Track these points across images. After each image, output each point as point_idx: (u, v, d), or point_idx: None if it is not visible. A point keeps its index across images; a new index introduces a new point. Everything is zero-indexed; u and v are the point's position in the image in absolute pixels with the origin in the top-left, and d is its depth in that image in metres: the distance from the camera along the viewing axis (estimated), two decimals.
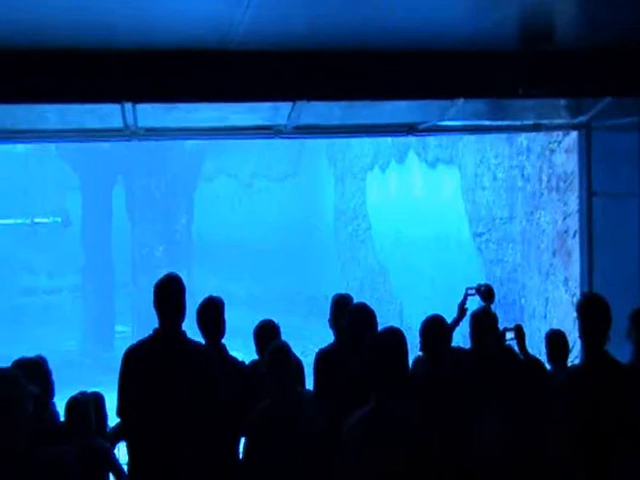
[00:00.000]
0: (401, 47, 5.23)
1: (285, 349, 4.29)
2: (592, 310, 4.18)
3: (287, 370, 4.22)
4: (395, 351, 3.39)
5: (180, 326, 4.38)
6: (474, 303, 5.37)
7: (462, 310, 5.33)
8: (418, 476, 3.26)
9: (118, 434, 4.68)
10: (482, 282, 5.53)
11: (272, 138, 6.64)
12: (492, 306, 5.26)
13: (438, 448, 3.35)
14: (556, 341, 5.03)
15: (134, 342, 4.47)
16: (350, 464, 3.34)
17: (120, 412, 4.33)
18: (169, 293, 4.38)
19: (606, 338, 4.17)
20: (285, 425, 4.13)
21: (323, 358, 4.90)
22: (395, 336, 3.45)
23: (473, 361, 4.83)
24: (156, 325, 4.42)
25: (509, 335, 4.94)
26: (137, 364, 4.33)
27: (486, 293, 5.26)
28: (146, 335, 4.43)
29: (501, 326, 5.01)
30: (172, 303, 4.37)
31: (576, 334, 4.65)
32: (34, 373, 4.19)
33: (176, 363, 4.30)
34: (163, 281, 4.43)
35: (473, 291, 5.30)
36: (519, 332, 4.96)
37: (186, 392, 4.26)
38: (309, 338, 5.31)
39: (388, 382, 3.35)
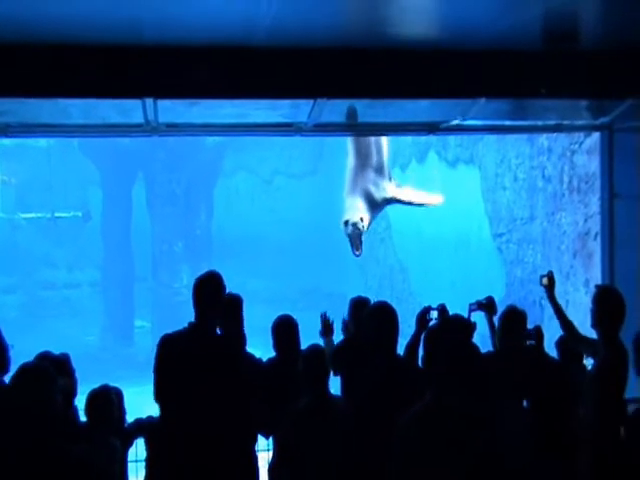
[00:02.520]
0: (423, 46, 5.21)
1: (321, 352, 4.43)
2: (607, 300, 4.51)
3: (324, 373, 4.37)
4: (457, 347, 3.38)
5: (215, 323, 4.45)
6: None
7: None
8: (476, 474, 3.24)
9: (136, 430, 4.71)
10: (501, 284, 5.58)
11: (293, 135, 6.63)
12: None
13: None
14: (566, 345, 5.07)
15: (169, 332, 4.49)
16: (407, 461, 3.32)
17: (156, 397, 4.39)
18: (210, 290, 4.44)
19: (620, 328, 4.48)
20: (321, 427, 4.23)
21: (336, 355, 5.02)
22: (457, 332, 3.42)
23: (496, 359, 4.89)
24: (174, 320, 4.45)
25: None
26: (171, 355, 4.38)
27: (488, 307, 5.31)
28: (176, 329, 4.45)
29: None
30: (211, 299, 4.42)
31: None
32: (58, 370, 4.24)
33: (208, 358, 4.36)
34: (205, 277, 4.49)
35: (475, 306, 5.34)
36: (538, 333, 4.97)
37: (216, 386, 4.33)
38: None
39: (447, 378, 3.33)
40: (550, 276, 5.21)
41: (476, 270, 11.30)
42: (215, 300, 4.43)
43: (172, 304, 15.83)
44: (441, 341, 3.39)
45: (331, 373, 4.55)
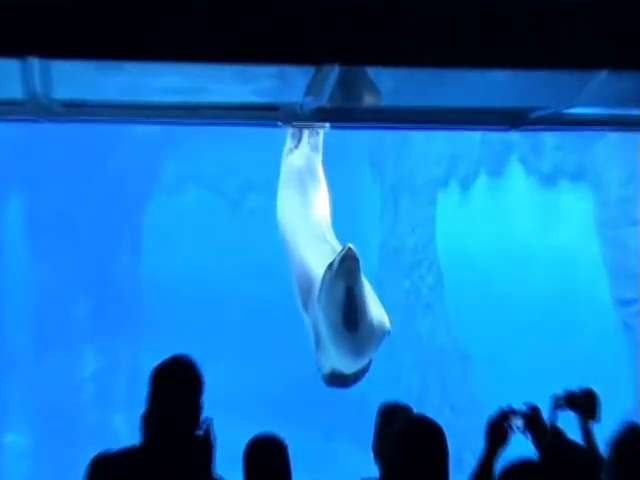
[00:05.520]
0: None
1: None
2: None
3: None
4: None
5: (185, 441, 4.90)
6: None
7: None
8: None
9: None
10: (628, 382, 5.69)
11: (278, 126, 6.65)
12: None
13: None
14: None
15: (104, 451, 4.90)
16: None
17: None
18: (178, 384, 4.95)
19: None
20: None
21: None
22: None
23: None
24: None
25: None
26: None
27: (584, 406, 5.45)
28: None
29: None
30: (180, 400, 4.91)
31: None
32: None
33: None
34: (169, 364, 5.07)
35: (562, 402, 5.50)
36: None
37: None
38: None
39: None
40: None
41: (584, 357, 11.28)
42: (185, 401, 4.89)
43: None
44: None
45: None
